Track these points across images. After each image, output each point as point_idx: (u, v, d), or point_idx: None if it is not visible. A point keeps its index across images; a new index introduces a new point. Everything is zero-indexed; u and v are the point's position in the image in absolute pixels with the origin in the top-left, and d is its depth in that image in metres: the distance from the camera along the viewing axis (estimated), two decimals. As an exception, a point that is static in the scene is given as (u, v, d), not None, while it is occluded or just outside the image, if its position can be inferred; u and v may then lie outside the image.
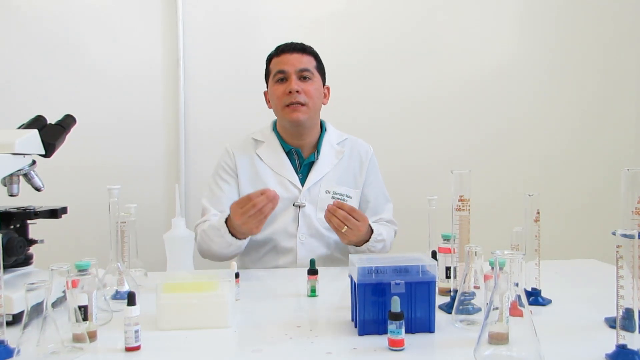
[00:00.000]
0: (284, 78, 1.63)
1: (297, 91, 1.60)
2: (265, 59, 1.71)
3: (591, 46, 2.40)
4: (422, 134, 2.34)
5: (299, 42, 1.68)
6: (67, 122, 1.26)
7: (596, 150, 2.42)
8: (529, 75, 2.38)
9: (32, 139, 1.15)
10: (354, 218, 1.45)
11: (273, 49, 1.70)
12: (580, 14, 2.39)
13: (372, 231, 1.55)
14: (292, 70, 1.62)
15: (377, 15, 2.31)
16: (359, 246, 1.55)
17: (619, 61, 2.42)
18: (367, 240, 1.55)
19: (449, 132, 2.35)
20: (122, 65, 2.21)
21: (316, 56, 1.70)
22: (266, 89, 1.74)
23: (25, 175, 1.17)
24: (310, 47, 1.69)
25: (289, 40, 1.69)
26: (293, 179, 1.67)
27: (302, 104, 1.61)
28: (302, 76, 1.63)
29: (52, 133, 1.20)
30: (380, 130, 2.27)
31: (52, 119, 1.24)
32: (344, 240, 1.53)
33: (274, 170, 1.68)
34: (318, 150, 1.71)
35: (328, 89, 1.75)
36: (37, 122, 1.20)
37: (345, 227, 1.44)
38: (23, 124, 1.20)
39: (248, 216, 1.38)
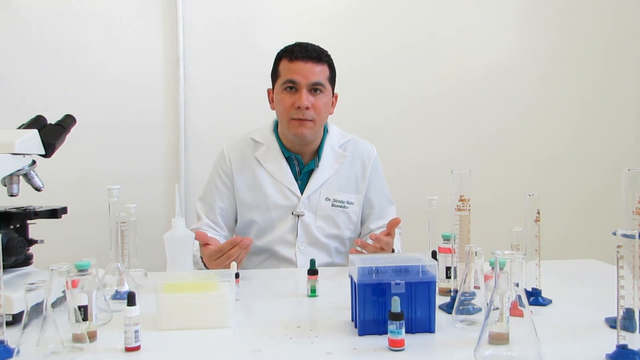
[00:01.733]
0: (293, 87, 1.55)
1: (307, 107, 1.53)
2: (275, 56, 1.62)
3: (591, 46, 2.40)
4: (422, 134, 2.34)
5: (315, 45, 1.59)
6: (67, 122, 1.26)
7: (596, 150, 2.43)
8: (529, 75, 2.38)
9: (32, 139, 1.15)
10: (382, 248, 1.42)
11: (283, 46, 1.60)
12: (580, 14, 2.39)
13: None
14: (304, 83, 1.53)
15: (377, 16, 2.31)
16: None
17: (619, 61, 2.42)
18: None
19: (449, 132, 2.35)
20: (122, 65, 2.21)
21: (331, 64, 1.60)
22: (270, 87, 1.66)
23: (25, 175, 1.17)
24: (325, 54, 1.59)
25: (287, 41, 1.63)
26: (292, 187, 1.63)
27: (309, 120, 1.55)
28: (314, 89, 1.55)
29: (52, 133, 1.20)
30: (381, 131, 2.26)
31: (52, 119, 1.24)
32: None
33: (273, 177, 1.63)
34: (319, 157, 1.65)
35: (336, 97, 1.68)
36: (37, 122, 1.20)
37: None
38: (23, 124, 1.20)
39: (223, 265, 1.36)
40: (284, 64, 1.58)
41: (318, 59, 1.56)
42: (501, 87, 2.37)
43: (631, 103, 2.44)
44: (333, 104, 1.67)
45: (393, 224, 1.42)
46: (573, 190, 2.41)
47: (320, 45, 1.63)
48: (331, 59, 1.62)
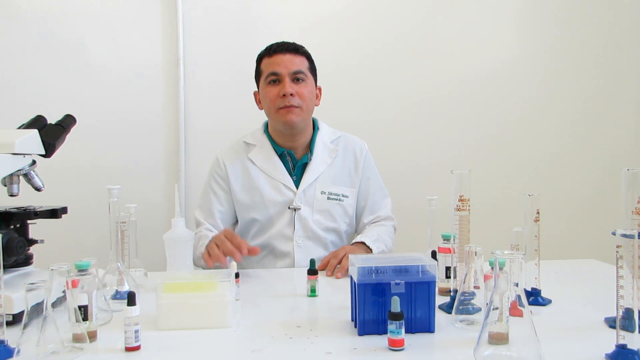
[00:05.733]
0: (276, 80, 1.60)
1: (291, 94, 1.58)
2: (255, 58, 1.68)
3: (591, 45, 2.40)
4: (422, 134, 2.34)
5: (291, 41, 1.65)
6: (67, 122, 1.26)
7: (596, 150, 2.42)
8: (529, 75, 2.38)
9: (32, 139, 1.15)
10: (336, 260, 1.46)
11: (263, 48, 1.66)
12: (580, 14, 2.39)
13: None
14: (286, 72, 1.58)
15: (377, 15, 2.31)
16: None
17: (618, 61, 2.42)
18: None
19: (448, 132, 2.35)
20: (122, 65, 2.21)
21: (309, 56, 1.67)
22: (256, 90, 1.71)
23: (25, 175, 1.17)
24: (302, 47, 1.65)
25: (289, 40, 1.67)
26: (287, 182, 1.65)
27: (296, 107, 1.59)
28: (296, 78, 1.60)
29: (52, 133, 1.20)
30: (380, 131, 2.27)
31: (52, 119, 1.24)
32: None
33: (267, 174, 1.66)
34: (311, 151, 1.68)
35: (320, 89, 1.72)
36: (37, 122, 1.20)
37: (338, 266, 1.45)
38: (23, 124, 1.20)
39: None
40: (265, 61, 1.64)
41: (295, 50, 1.63)
42: (501, 87, 2.37)
43: (631, 103, 2.44)
44: (318, 97, 1.71)
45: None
46: (573, 190, 2.41)
47: (320, 45, 1.70)
48: (309, 53, 1.68)
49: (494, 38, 2.37)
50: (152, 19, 2.22)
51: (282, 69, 1.59)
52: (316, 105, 1.70)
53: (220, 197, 1.69)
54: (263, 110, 1.69)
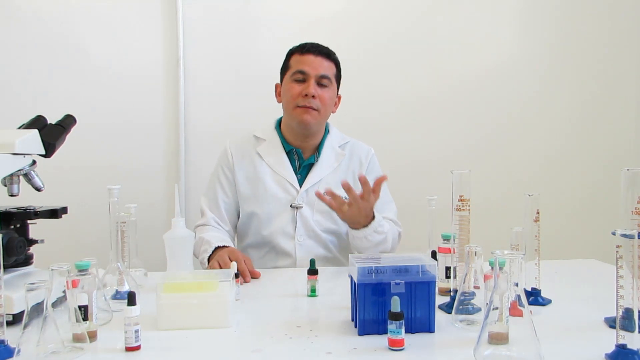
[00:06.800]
0: (302, 79, 1.62)
1: (313, 96, 1.59)
2: (287, 51, 1.69)
3: (591, 45, 2.40)
4: (422, 133, 2.34)
5: (325, 45, 1.67)
6: (67, 122, 1.26)
7: (596, 150, 2.43)
8: (529, 74, 2.38)
9: (32, 139, 1.15)
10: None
11: (297, 44, 1.67)
12: (580, 13, 2.39)
13: (373, 218, 1.49)
14: (313, 73, 1.60)
15: (377, 14, 2.31)
16: (356, 229, 1.50)
17: (618, 60, 2.42)
18: (366, 226, 1.49)
19: (449, 131, 2.35)
20: (122, 65, 2.21)
21: (337, 64, 1.68)
22: (278, 82, 1.72)
23: (26, 175, 1.17)
24: (334, 54, 1.67)
25: (287, 40, 1.68)
26: (291, 179, 1.66)
27: (314, 109, 1.61)
28: (321, 82, 1.62)
29: (52, 133, 1.20)
30: (380, 130, 2.27)
31: (52, 119, 1.24)
32: (339, 214, 1.48)
33: (273, 170, 1.68)
34: (319, 152, 1.70)
35: (340, 98, 1.74)
36: (37, 122, 1.20)
37: (345, 204, 1.43)
38: (23, 124, 1.20)
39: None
40: (295, 58, 1.65)
41: (328, 55, 1.65)
42: (501, 86, 2.37)
43: (631, 103, 2.44)
44: (336, 104, 1.73)
45: (378, 182, 1.43)
46: (573, 190, 2.41)
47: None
48: (338, 60, 1.69)
49: (494, 37, 2.37)
50: (152, 19, 2.22)
51: (311, 70, 1.61)
52: (332, 113, 1.71)
53: (225, 187, 1.70)
54: (280, 103, 1.70)
